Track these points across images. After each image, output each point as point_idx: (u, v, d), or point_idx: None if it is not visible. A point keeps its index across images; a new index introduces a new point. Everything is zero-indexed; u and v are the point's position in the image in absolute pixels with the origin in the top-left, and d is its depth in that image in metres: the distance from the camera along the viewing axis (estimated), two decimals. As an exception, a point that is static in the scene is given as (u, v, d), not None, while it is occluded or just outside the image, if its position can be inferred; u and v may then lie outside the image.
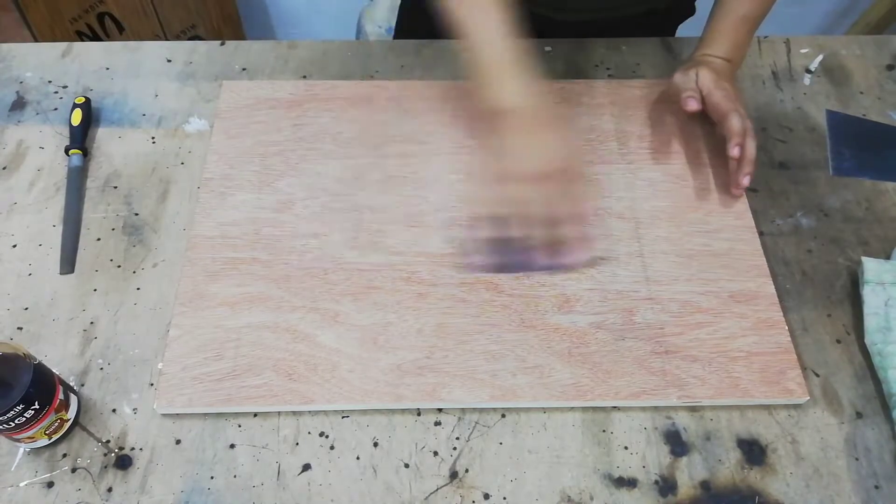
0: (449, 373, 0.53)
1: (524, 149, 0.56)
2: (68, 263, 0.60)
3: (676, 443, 0.53)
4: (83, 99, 0.69)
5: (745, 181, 0.61)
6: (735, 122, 0.60)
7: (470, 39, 0.56)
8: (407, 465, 0.51)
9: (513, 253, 0.58)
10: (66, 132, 0.68)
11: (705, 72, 0.63)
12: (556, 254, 0.57)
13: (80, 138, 0.67)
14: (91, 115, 0.70)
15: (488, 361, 0.54)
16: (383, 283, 0.58)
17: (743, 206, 0.64)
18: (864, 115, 0.73)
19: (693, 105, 0.62)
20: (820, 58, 0.78)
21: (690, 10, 0.85)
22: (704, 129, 0.68)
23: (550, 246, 0.57)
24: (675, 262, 0.60)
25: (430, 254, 0.60)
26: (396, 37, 0.91)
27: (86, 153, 0.67)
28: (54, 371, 0.51)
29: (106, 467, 0.51)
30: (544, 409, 0.54)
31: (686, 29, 0.84)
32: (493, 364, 0.54)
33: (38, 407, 0.48)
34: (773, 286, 0.59)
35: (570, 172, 0.56)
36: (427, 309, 0.57)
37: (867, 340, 0.56)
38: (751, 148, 0.61)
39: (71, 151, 0.66)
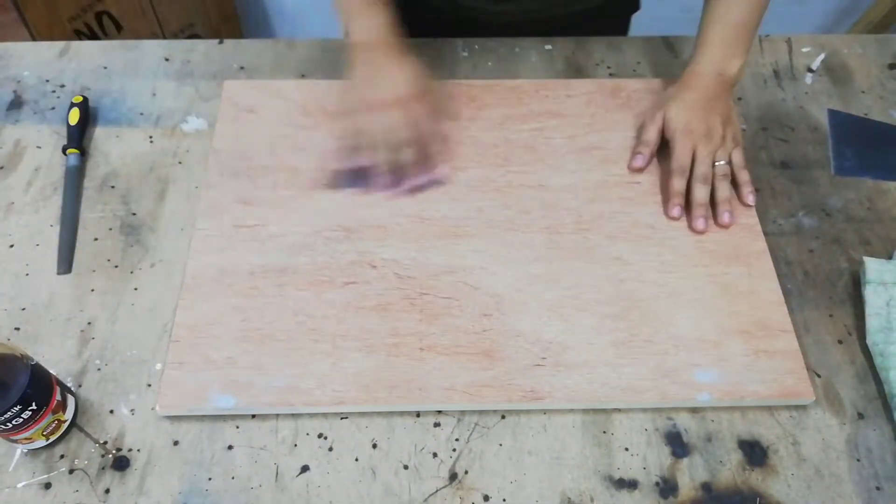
0: (449, 373, 0.53)
1: (367, 79, 0.60)
2: (65, 263, 0.60)
3: (677, 444, 0.52)
4: (81, 98, 0.69)
5: (699, 224, 0.61)
6: (673, 183, 0.62)
7: None
8: (406, 467, 0.51)
9: (365, 179, 0.62)
10: (64, 131, 0.68)
11: (673, 112, 0.63)
12: (399, 178, 0.62)
13: (78, 138, 0.67)
14: (89, 115, 0.69)
15: (487, 362, 0.54)
16: (384, 290, 0.57)
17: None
18: (866, 114, 0.72)
19: (638, 162, 0.64)
20: (821, 57, 0.77)
21: (633, 6, 0.84)
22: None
23: (395, 170, 0.61)
24: (679, 262, 0.60)
25: (429, 264, 0.59)
26: None
27: (83, 153, 0.67)
28: (52, 372, 0.51)
29: (103, 468, 0.51)
30: (544, 411, 0.53)
31: (685, 28, 0.84)
32: (494, 364, 0.54)
33: (35, 408, 0.47)
34: (778, 286, 0.58)
35: (415, 99, 0.60)
36: (428, 309, 0.56)
37: (869, 341, 0.56)
38: (721, 191, 0.61)
39: (68, 151, 0.66)
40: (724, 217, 0.61)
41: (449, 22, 0.78)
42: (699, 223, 0.61)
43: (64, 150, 0.66)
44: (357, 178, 0.62)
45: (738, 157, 0.63)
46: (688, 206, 0.62)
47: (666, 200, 0.62)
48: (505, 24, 0.78)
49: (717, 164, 0.62)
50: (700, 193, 0.61)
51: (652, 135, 0.64)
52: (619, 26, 0.85)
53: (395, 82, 0.60)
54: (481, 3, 0.75)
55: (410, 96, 0.60)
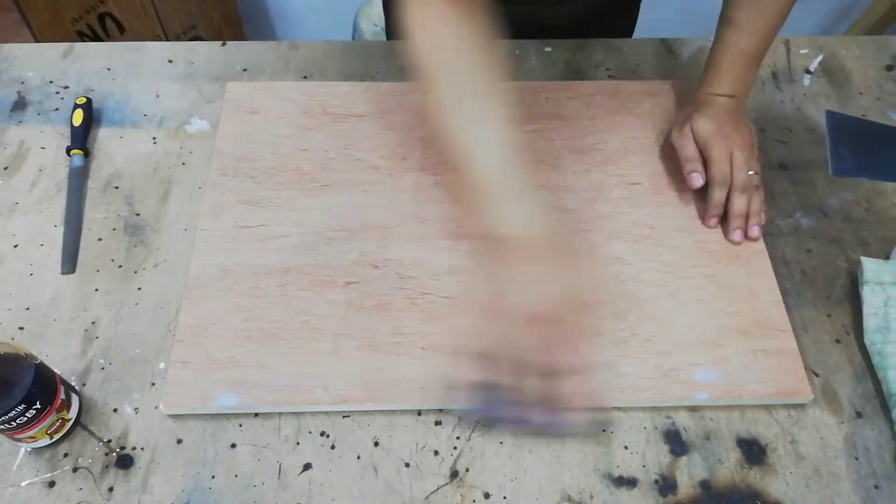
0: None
1: (526, 283, 0.46)
2: (70, 263, 0.60)
3: (676, 442, 0.53)
4: (84, 99, 0.69)
5: (736, 236, 0.61)
6: (715, 195, 0.61)
7: (458, 137, 0.48)
8: (407, 465, 0.51)
9: (502, 403, 0.46)
10: (68, 132, 0.68)
11: (701, 122, 0.62)
12: (553, 411, 0.45)
13: (82, 139, 0.67)
14: (92, 116, 0.70)
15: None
16: (386, 290, 0.58)
17: None
18: (863, 115, 0.73)
19: (697, 182, 0.61)
20: (819, 58, 0.78)
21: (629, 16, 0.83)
22: None
23: (546, 401, 0.45)
24: (679, 262, 0.60)
25: (430, 265, 0.60)
26: (389, 37, 0.91)
27: (87, 153, 0.67)
28: (56, 371, 0.51)
29: (107, 467, 0.51)
30: (545, 409, 0.54)
31: (685, 30, 0.85)
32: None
33: (39, 407, 0.48)
34: (776, 286, 0.59)
35: (579, 315, 0.46)
36: (429, 309, 0.57)
37: (867, 340, 0.56)
38: (755, 203, 0.61)
39: (72, 152, 0.66)
40: (755, 231, 0.61)
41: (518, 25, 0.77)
42: (737, 235, 0.61)
43: (68, 151, 0.66)
44: (489, 394, 0.46)
45: (758, 169, 0.62)
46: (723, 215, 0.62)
47: (704, 210, 0.62)
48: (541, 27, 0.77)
49: (750, 174, 0.61)
50: (740, 204, 0.60)
51: (692, 150, 0.62)
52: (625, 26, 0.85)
53: (557, 291, 0.46)
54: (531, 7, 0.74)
55: (576, 310, 0.46)
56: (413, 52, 0.49)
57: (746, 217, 0.61)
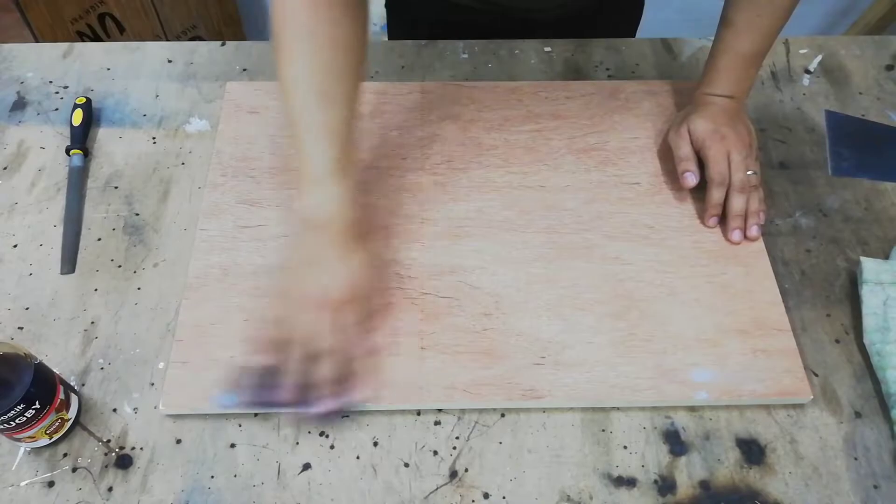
0: (448, 373, 0.54)
1: (309, 268, 0.50)
2: (69, 263, 0.60)
3: (675, 442, 0.53)
4: (84, 99, 0.70)
5: (735, 236, 0.61)
6: (713, 195, 0.61)
7: (295, 118, 0.50)
8: (407, 465, 0.51)
9: (268, 387, 0.48)
10: (67, 132, 0.68)
11: (698, 123, 0.62)
12: (305, 395, 0.48)
13: (81, 138, 0.67)
14: (92, 116, 0.70)
15: (487, 361, 0.54)
16: (386, 290, 0.58)
17: None
18: (863, 115, 0.73)
19: (691, 181, 0.62)
20: (819, 58, 0.78)
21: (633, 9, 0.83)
22: None
23: (302, 384, 0.48)
24: (677, 261, 0.60)
25: (430, 264, 0.60)
26: (390, 37, 0.91)
27: (87, 153, 0.67)
28: (55, 371, 0.51)
29: (106, 467, 0.51)
30: (544, 409, 0.54)
31: (685, 30, 0.85)
32: (494, 363, 0.54)
33: (38, 407, 0.48)
34: (776, 285, 0.59)
35: (353, 305, 0.50)
36: (429, 309, 0.57)
37: (866, 340, 0.56)
38: (754, 202, 0.60)
39: (72, 152, 0.66)
40: (753, 231, 0.61)
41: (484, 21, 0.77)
42: (735, 235, 0.60)
43: (67, 151, 0.66)
44: (265, 381, 0.49)
45: (757, 169, 0.62)
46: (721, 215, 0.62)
47: (703, 210, 0.62)
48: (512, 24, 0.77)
49: (748, 173, 0.61)
50: (739, 205, 0.60)
51: (687, 149, 0.63)
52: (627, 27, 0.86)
53: (335, 280, 0.50)
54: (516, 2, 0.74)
55: (346, 300, 0.50)
56: (275, 22, 0.49)
57: (745, 217, 0.61)
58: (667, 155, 0.66)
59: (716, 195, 0.61)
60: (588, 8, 0.79)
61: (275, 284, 0.51)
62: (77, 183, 0.65)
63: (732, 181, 0.60)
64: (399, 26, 0.87)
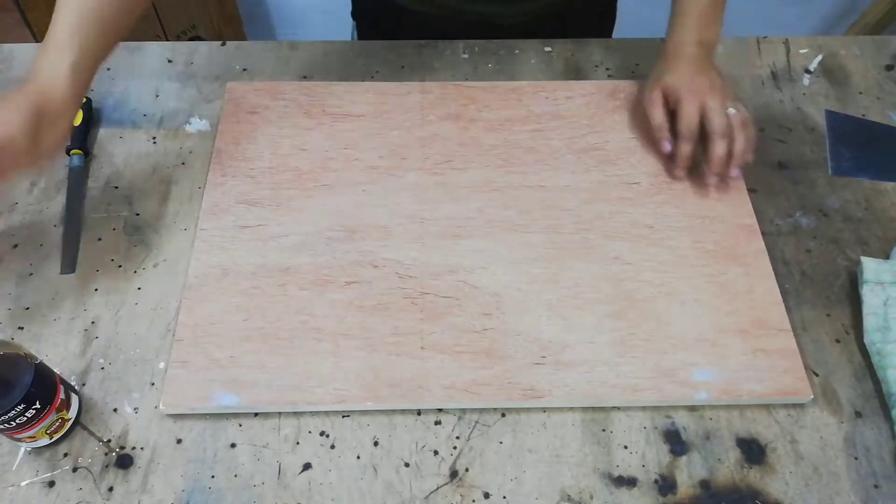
0: (449, 372, 0.54)
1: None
2: (69, 263, 0.60)
3: (676, 442, 0.53)
4: (84, 99, 0.69)
5: (712, 181, 0.61)
6: (680, 148, 0.61)
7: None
8: (407, 465, 0.52)
9: None
10: (67, 132, 0.68)
11: (670, 79, 0.62)
12: None
13: (82, 139, 0.67)
14: (92, 116, 0.70)
15: (487, 360, 0.54)
16: (386, 290, 0.58)
17: (746, 205, 0.64)
18: (863, 115, 0.73)
19: (667, 148, 0.63)
20: (819, 58, 0.78)
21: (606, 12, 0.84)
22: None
23: None
24: (677, 261, 0.60)
25: (430, 263, 0.60)
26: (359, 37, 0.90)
27: (87, 153, 0.67)
28: (55, 371, 0.51)
29: (107, 467, 0.51)
30: (544, 409, 0.54)
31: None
32: (494, 362, 0.54)
33: (39, 406, 0.48)
34: (776, 285, 0.59)
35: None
36: (429, 308, 0.57)
37: (866, 340, 0.56)
38: (739, 142, 0.60)
39: (72, 152, 0.66)
40: (733, 172, 0.60)
41: (457, 26, 0.78)
42: (712, 180, 0.60)
43: (67, 151, 0.66)
44: None
45: (743, 108, 0.62)
46: (686, 162, 0.62)
47: (671, 163, 0.62)
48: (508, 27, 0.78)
49: (729, 112, 0.60)
50: (720, 149, 0.59)
51: (660, 117, 0.63)
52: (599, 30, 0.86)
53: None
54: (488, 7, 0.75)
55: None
56: None
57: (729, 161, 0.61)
58: (667, 155, 0.66)
59: (683, 148, 0.61)
60: (554, 14, 0.79)
61: None
62: (77, 183, 0.65)
63: (712, 126, 0.60)
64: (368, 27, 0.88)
